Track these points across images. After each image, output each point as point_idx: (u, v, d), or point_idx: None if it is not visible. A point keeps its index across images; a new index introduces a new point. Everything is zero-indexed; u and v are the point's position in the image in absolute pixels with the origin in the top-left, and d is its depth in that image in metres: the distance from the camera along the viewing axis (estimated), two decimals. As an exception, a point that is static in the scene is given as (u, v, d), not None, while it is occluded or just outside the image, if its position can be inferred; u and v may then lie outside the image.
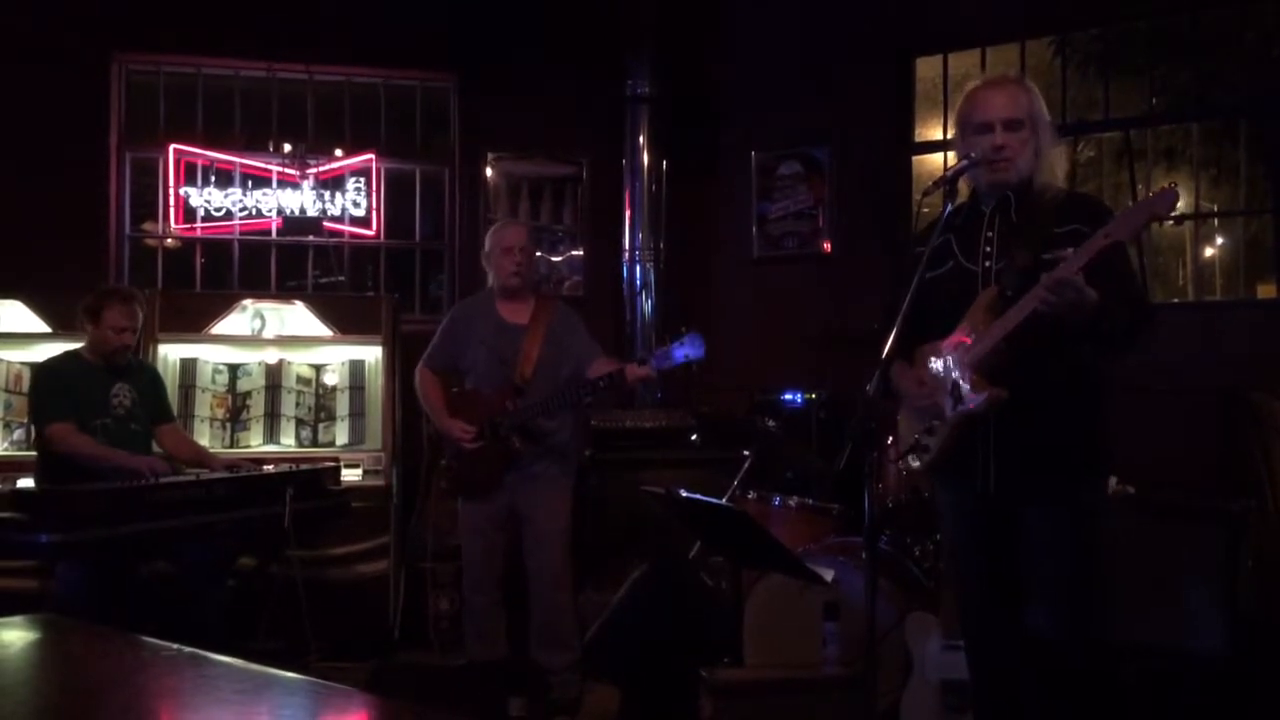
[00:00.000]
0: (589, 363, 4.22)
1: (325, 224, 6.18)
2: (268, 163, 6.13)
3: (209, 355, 5.38)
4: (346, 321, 5.46)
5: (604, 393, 4.19)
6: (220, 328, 5.36)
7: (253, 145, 6.18)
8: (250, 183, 6.11)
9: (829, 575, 3.53)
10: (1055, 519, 2.74)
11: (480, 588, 4.27)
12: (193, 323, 5.33)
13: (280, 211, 6.12)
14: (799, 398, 5.17)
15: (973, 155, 2.77)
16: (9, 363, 5.17)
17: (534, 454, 4.16)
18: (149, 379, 4.58)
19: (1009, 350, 2.63)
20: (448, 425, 4.23)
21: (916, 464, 2.86)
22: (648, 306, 6.14)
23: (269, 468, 4.54)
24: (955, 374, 2.71)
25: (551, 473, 4.21)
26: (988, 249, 2.79)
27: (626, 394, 5.98)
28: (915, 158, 6.13)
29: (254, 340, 5.41)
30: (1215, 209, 6.14)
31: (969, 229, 2.84)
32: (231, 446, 5.26)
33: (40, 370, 4.53)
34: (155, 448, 4.50)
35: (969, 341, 2.70)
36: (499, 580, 4.28)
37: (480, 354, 4.27)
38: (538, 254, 6.02)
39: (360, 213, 6.22)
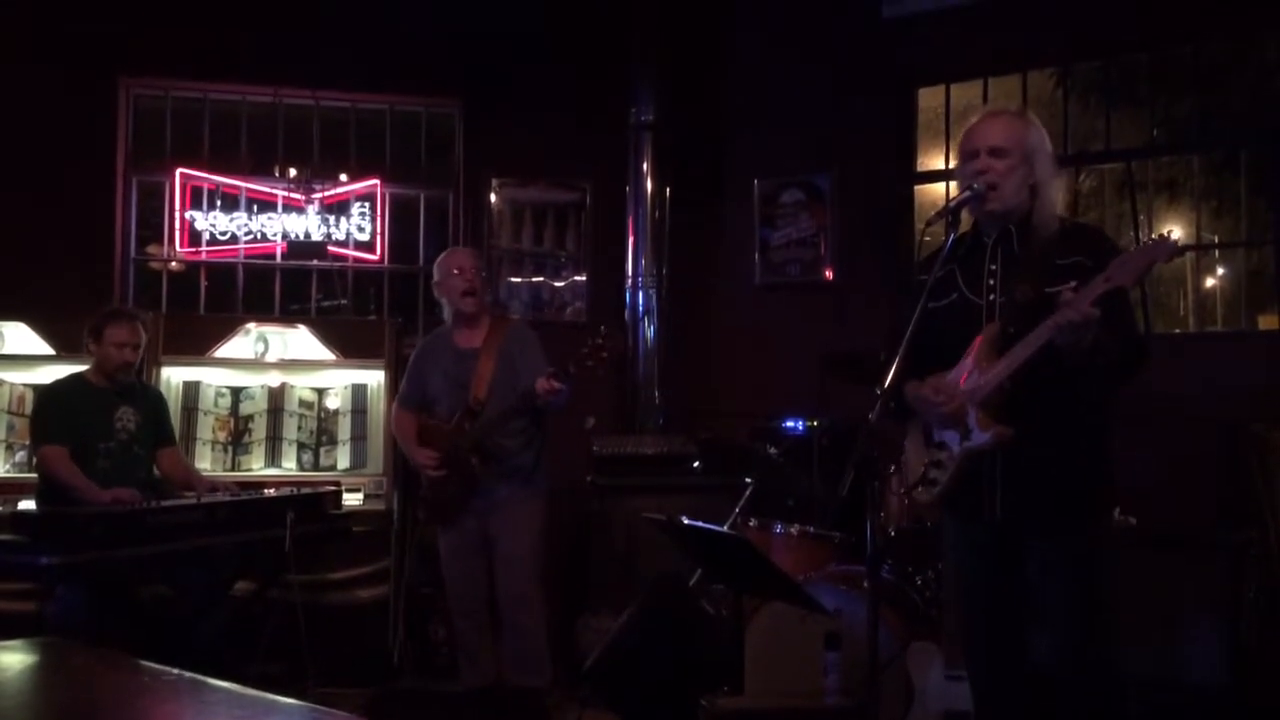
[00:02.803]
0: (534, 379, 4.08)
1: (329, 248, 6.21)
2: (273, 187, 6.16)
3: (212, 378, 5.39)
4: (349, 345, 5.47)
5: (533, 404, 4.05)
6: (223, 351, 5.37)
7: (258, 170, 6.21)
8: (255, 207, 6.14)
9: (830, 604, 3.52)
10: (1061, 550, 2.74)
11: (465, 612, 4.28)
12: (196, 345, 5.34)
13: (285, 235, 6.14)
14: (801, 425, 5.16)
15: (974, 187, 2.79)
16: (12, 384, 5.18)
17: (496, 476, 4.15)
18: (152, 402, 4.59)
19: (1014, 386, 2.65)
20: (414, 454, 4.30)
21: (925, 497, 2.86)
22: (650, 332, 6.14)
23: (270, 491, 4.54)
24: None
25: (516, 496, 4.19)
26: (991, 281, 2.81)
27: (626, 418, 6.00)
28: (917, 187, 6.16)
29: (257, 363, 5.42)
30: (1216, 240, 6.15)
31: (972, 261, 2.86)
32: (233, 470, 5.26)
33: (42, 393, 4.55)
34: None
35: (973, 377, 2.71)
36: (485, 605, 4.27)
37: (441, 383, 4.31)
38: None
39: (364, 237, 6.25)
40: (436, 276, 4.37)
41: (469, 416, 4.17)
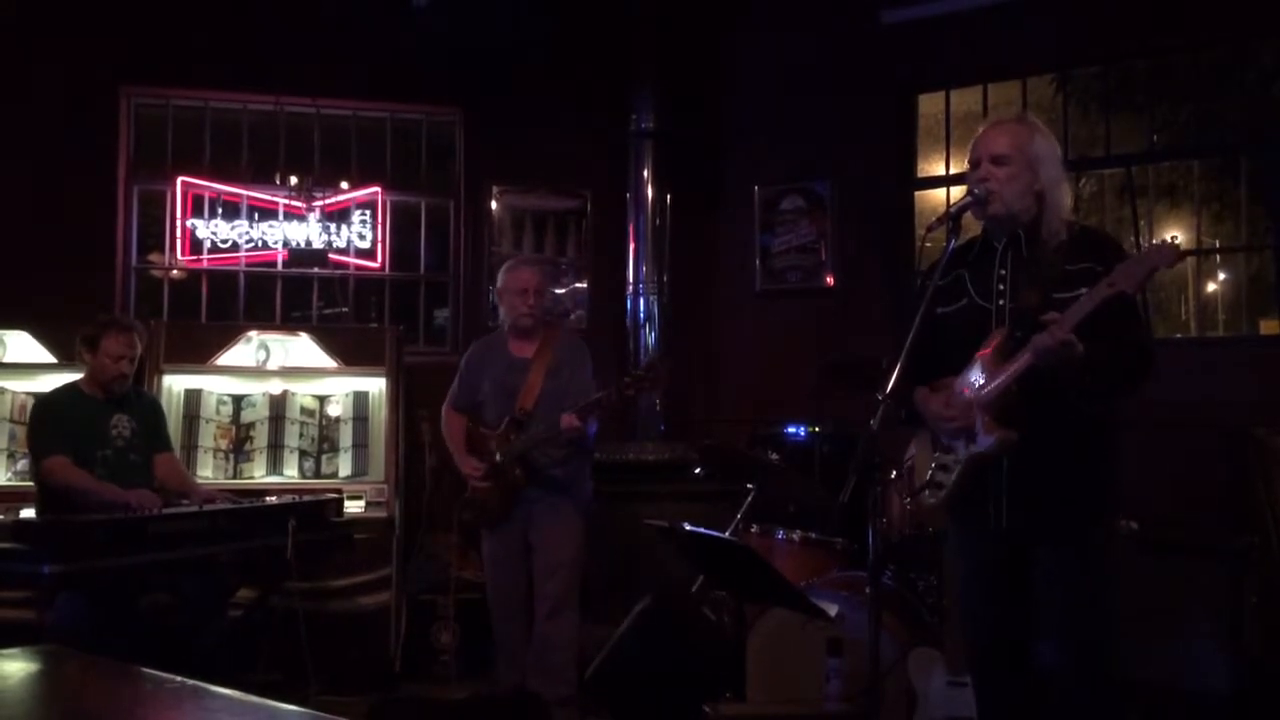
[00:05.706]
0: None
1: (331, 256, 6.21)
2: (274, 195, 6.16)
3: (213, 386, 5.39)
4: (350, 353, 5.47)
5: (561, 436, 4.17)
6: (225, 359, 5.37)
7: (259, 178, 6.21)
8: (256, 215, 6.15)
9: (832, 610, 3.51)
10: (1065, 557, 2.74)
11: (506, 616, 4.35)
12: (197, 353, 5.33)
13: (286, 243, 6.15)
14: (802, 431, 5.16)
15: (976, 192, 2.80)
16: (14, 393, 5.18)
17: (539, 486, 4.23)
18: (148, 408, 4.57)
19: (1019, 392, 2.65)
20: (461, 461, 4.38)
21: (931, 501, 2.87)
22: (651, 339, 6.15)
23: (271, 499, 4.53)
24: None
25: (558, 506, 4.26)
26: (1001, 286, 2.81)
27: (628, 425, 6.00)
28: (917, 193, 6.16)
29: (258, 371, 5.42)
30: (1217, 245, 6.16)
31: (982, 266, 2.86)
32: (234, 477, 5.26)
33: (38, 404, 4.54)
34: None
35: (981, 382, 2.71)
36: (526, 609, 4.33)
37: (491, 389, 4.38)
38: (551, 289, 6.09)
39: (365, 245, 6.25)
40: (500, 284, 4.42)
41: (515, 426, 4.26)
